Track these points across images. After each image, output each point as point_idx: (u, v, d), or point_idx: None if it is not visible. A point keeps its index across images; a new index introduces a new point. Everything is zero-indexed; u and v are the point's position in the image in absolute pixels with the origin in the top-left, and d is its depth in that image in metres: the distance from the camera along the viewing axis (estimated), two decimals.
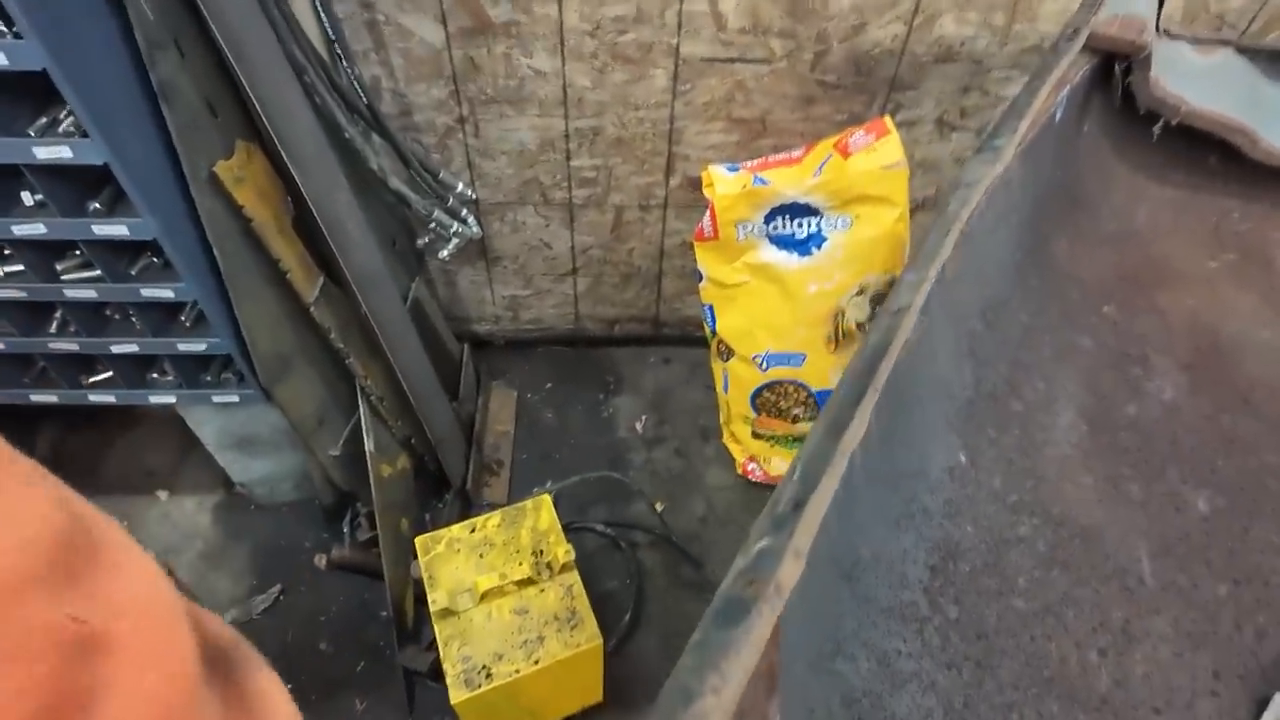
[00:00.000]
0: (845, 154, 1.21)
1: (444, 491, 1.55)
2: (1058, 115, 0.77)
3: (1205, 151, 0.91)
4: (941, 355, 0.62)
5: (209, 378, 1.21)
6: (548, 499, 1.19)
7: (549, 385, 1.79)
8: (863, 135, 1.21)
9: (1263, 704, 0.52)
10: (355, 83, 1.19)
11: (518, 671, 1.02)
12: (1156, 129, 0.86)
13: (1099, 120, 0.87)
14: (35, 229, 0.92)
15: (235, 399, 1.20)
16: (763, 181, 1.23)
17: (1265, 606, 0.58)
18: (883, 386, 0.51)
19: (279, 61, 0.96)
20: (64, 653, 0.23)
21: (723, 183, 1.24)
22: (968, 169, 0.62)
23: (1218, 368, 0.77)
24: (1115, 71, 0.87)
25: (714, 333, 1.43)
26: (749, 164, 1.28)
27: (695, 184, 1.45)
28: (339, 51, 1.16)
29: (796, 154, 1.27)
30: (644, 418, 1.70)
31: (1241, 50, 0.93)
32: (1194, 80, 0.88)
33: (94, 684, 0.24)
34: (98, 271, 1.00)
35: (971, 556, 0.56)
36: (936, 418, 0.61)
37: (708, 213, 1.26)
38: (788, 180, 1.22)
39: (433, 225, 1.40)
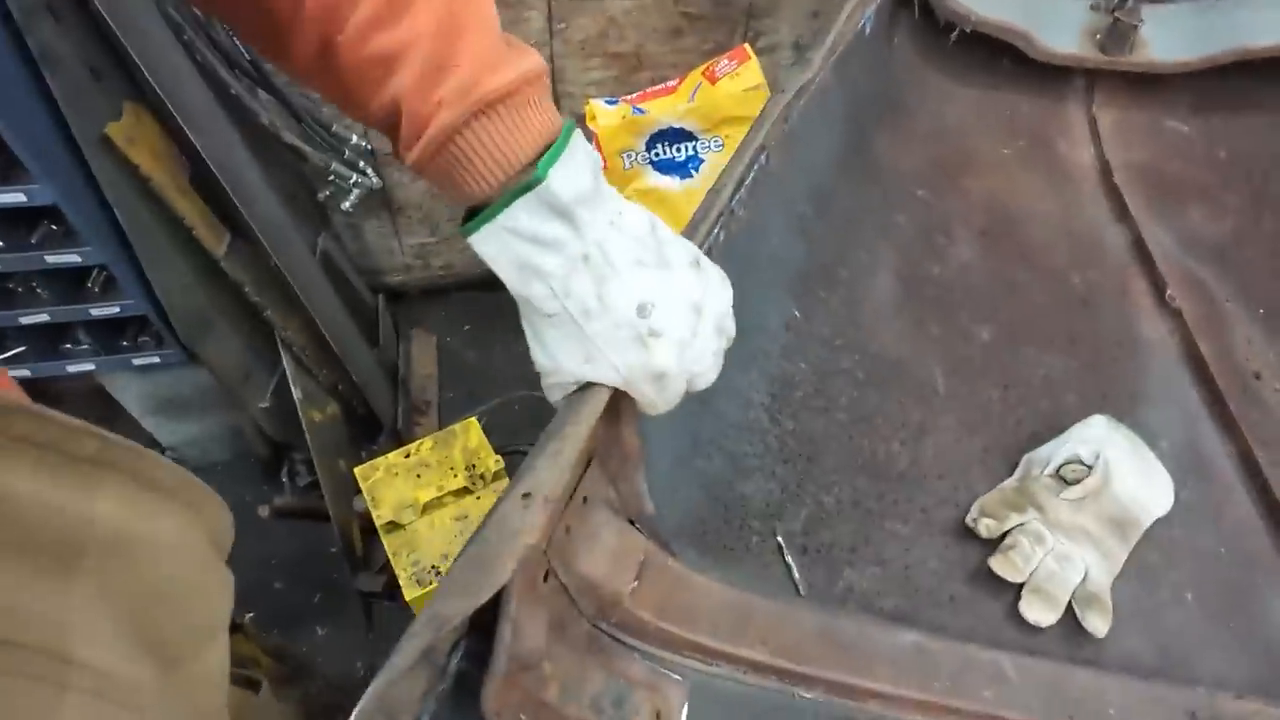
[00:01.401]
0: (713, 80, 1.33)
1: (376, 434, 1.63)
2: (867, 29, 0.91)
3: (999, 55, 1.08)
4: (774, 233, 0.76)
5: (126, 342, 1.24)
6: (474, 421, 1.30)
7: (467, 328, 1.88)
8: (727, 62, 1.33)
9: (1015, 466, 0.71)
10: (235, 39, 1.21)
11: None
12: (953, 37, 1.02)
13: (906, 32, 1.03)
14: None
15: (156, 360, 1.24)
16: (640, 111, 1.34)
17: (1024, 403, 0.76)
18: (718, 251, 0.64)
19: (156, 21, 0.99)
20: None
21: (604, 115, 1.34)
22: (784, 79, 0.75)
23: (1006, 234, 0.95)
24: None
25: None
26: (628, 97, 1.38)
27: (580, 120, 1.54)
28: None
29: (671, 85, 1.38)
30: None
31: None
32: None
33: None
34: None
35: (804, 385, 0.72)
36: (774, 283, 0.76)
37: (593, 143, 1.37)
38: (663, 109, 1.34)
39: (331, 178, 1.44)
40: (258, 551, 1.50)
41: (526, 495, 0.37)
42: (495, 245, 0.43)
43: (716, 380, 0.65)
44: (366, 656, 1.40)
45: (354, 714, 0.30)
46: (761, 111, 0.73)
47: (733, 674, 0.51)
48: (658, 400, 0.47)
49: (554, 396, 0.48)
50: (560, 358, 0.46)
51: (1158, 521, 0.66)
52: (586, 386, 0.46)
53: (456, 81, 0.39)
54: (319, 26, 0.39)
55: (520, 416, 1.66)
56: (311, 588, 1.46)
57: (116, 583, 0.33)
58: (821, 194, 0.86)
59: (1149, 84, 1.09)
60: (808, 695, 0.52)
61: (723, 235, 0.64)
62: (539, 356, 0.47)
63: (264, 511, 1.45)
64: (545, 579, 0.40)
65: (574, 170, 0.42)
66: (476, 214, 0.44)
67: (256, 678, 0.59)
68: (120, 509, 0.33)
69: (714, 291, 0.49)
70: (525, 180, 0.41)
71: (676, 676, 0.48)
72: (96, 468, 0.32)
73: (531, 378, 1.57)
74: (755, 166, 0.68)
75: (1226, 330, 0.84)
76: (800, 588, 0.58)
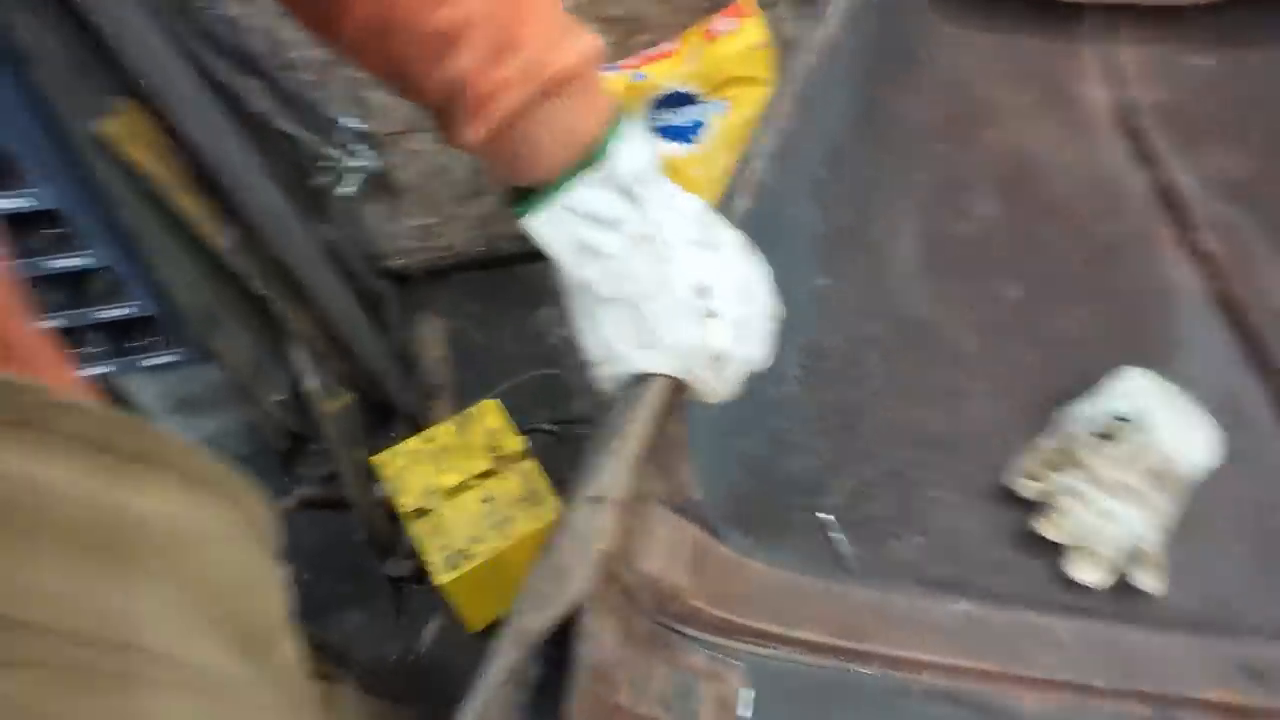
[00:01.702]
0: (712, 39, 1.29)
1: (392, 421, 1.63)
2: None
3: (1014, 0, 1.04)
4: (796, 201, 0.75)
5: (136, 343, 1.22)
6: (493, 402, 1.30)
7: (474, 309, 1.86)
8: (726, 20, 1.29)
9: (1051, 424, 0.70)
10: (218, 23, 1.17)
11: (494, 549, 1.15)
12: None
13: None
14: None
15: (168, 360, 1.22)
16: (641, 77, 1.30)
17: (1057, 359, 0.75)
18: (751, 224, 0.63)
19: (134, 8, 0.95)
20: None
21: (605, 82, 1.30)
22: (801, 37, 0.73)
23: (1027, 186, 0.93)
24: None
25: None
26: (628, 61, 1.34)
27: None
28: None
29: (670, 47, 1.34)
30: None
31: None
32: None
33: None
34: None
35: (835, 356, 0.70)
36: (799, 252, 0.74)
37: None
38: (664, 72, 1.30)
39: (328, 164, 1.41)
40: (284, 543, 1.51)
41: (596, 499, 0.37)
42: (554, 226, 0.42)
43: None
44: (399, 641, 1.42)
45: None
46: (783, 74, 0.70)
47: (789, 655, 0.51)
48: (716, 385, 0.46)
49: (607, 387, 0.47)
50: (616, 343, 0.45)
51: (1204, 472, 0.65)
52: (643, 378, 0.45)
53: (522, 61, 0.38)
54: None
55: (534, 396, 1.65)
56: (339, 577, 1.47)
57: (193, 579, 0.33)
58: (837, 156, 0.83)
59: (1169, 19, 1.06)
60: (864, 671, 0.52)
61: (751, 207, 0.62)
62: (591, 344, 0.46)
63: (287, 504, 1.45)
64: (608, 581, 0.40)
65: (636, 150, 0.42)
66: (527, 195, 0.43)
67: (329, 672, 0.59)
68: (175, 507, 0.33)
69: (761, 274, 0.49)
70: (589, 158, 0.41)
71: (735, 662, 0.48)
72: (148, 465, 0.31)
73: (542, 356, 1.56)
74: (778, 133, 0.65)
75: (1259, 271, 0.82)
76: (846, 563, 0.58)
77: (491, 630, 1.33)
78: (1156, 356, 0.75)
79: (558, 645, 0.36)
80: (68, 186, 0.94)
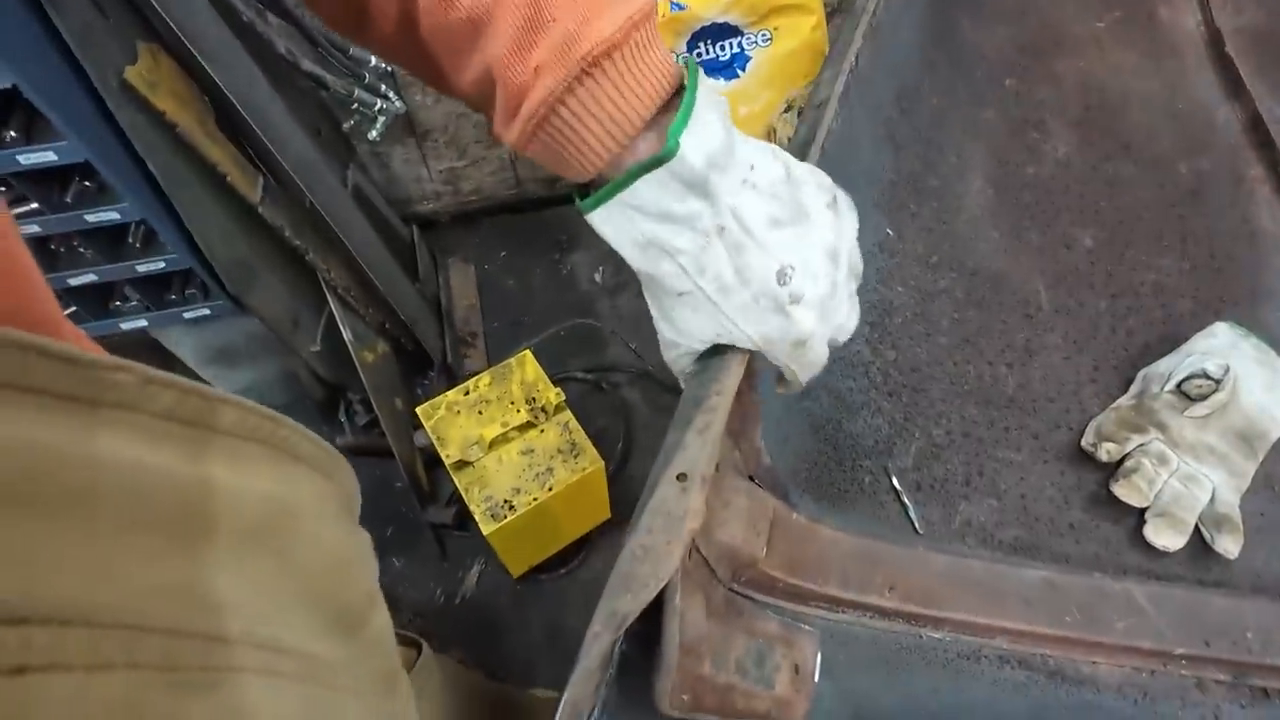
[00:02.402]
0: None
1: (427, 370, 1.63)
2: None
3: None
4: (864, 144, 0.70)
5: (174, 295, 1.22)
6: (529, 353, 1.28)
7: (504, 254, 1.83)
8: None
9: (1129, 382, 0.67)
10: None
11: (535, 500, 1.16)
12: None
13: None
14: None
15: (207, 312, 1.22)
16: (680, 7, 1.22)
17: (1135, 312, 0.71)
18: None
19: None
20: None
21: None
22: None
23: (1104, 121, 0.87)
24: None
25: None
26: None
27: None
28: None
29: None
30: (601, 269, 1.77)
31: None
32: None
33: None
34: (34, 205, 0.98)
35: (903, 310, 0.67)
36: (865, 201, 0.70)
37: None
38: (705, 3, 1.22)
39: (355, 106, 1.36)
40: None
41: (682, 476, 0.35)
42: (616, 224, 0.39)
43: None
44: (443, 585, 1.45)
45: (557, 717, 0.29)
46: (852, 9, 0.65)
47: (861, 620, 0.50)
48: (801, 367, 0.43)
49: (680, 366, 0.45)
50: (692, 332, 0.42)
51: None
52: (718, 350, 0.43)
53: (553, 40, 0.34)
54: None
55: (568, 343, 1.64)
56: (383, 523, 1.50)
57: (287, 560, 0.32)
58: (906, 94, 0.78)
59: None
60: (935, 635, 0.51)
61: (819, 157, 0.58)
62: (665, 332, 0.44)
63: None
64: (689, 555, 0.38)
65: (706, 131, 0.37)
66: (588, 187, 0.39)
67: (414, 636, 0.60)
68: (266, 483, 0.32)
69: (847, 230, 0.45)
70: (654, 154, 0.36)
71: (808, 628, 0.47)
72: (238, 440, 0.30)
73: (574, 303, 1.53)
74: (849, 72, 0.60)
75: None
76: (917, 526, 0.57)
77: (531, 575, 1.36)
78: (1242, 307, 0.71)
79: (644, 620, 0.35)
80: (96, 138, 0.92)
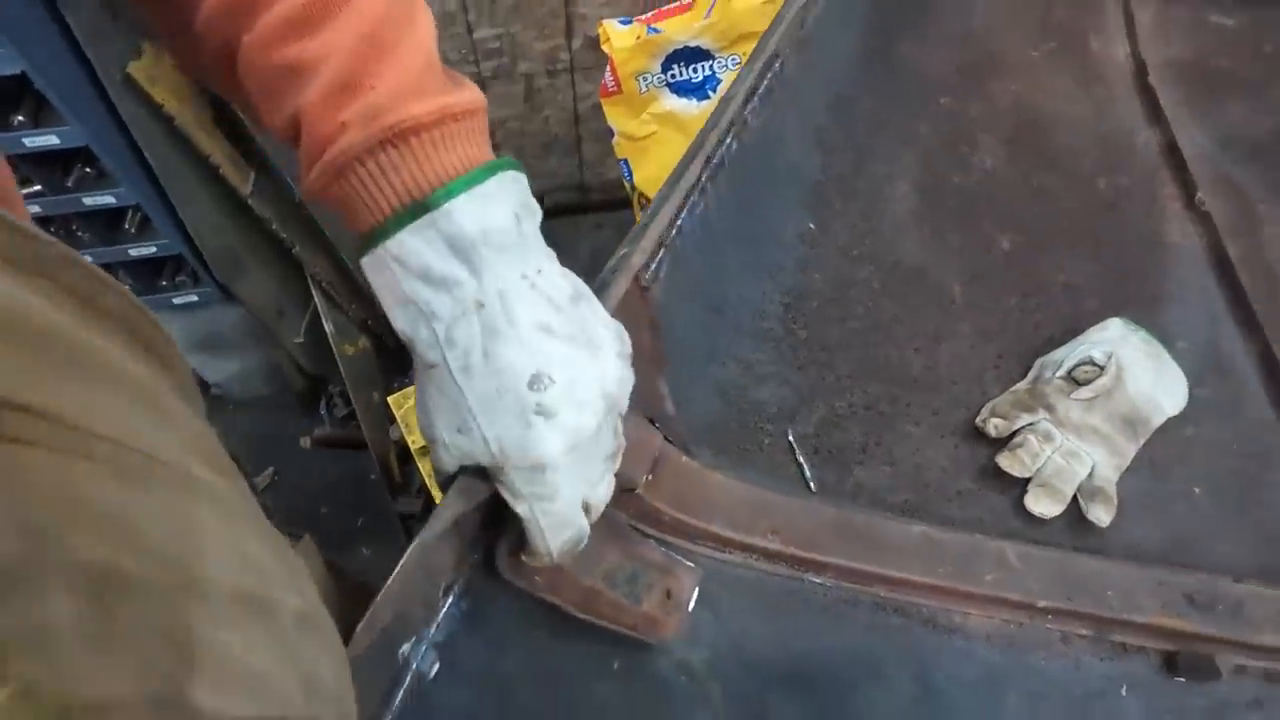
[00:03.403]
0: None
1: (407, 366, 1.68)
2: None
3: None
4: (790, 143, 0.76)
5: (164, 281, 1.29)
6: None
7: None
8: None
9: (1029, 368, 0.71)
10: None
11: None
12: None
13: None
14: None
15: (194, 298, 1.28)
16: (656, 31, 1.30)
17: (1042, 308, 0.76)
18: (730, 161, 0.65)
19: None
20: None
21: (617, 36, 1.31)
22: None
23: (1032, 139, 0.93)
24: None
25: (633, 187, 1.54)
26: (642, 16, 1.35)
27: (594, 44, 1.51)
28: None
29: (685, 1, 1.34)
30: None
31: None
32: None
33: None
34: (37, 186, 1.05)
35: (818, 296, 0.72)
36: (789, 195, 0.75)
37: (608, 67, 1.34)
38: (679, 26, 1.30)
39: None
40: (304, 479, 1.58)
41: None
42: (383, 276, 0.37)
43: (730, 291, 0.66)
44: None
45: (398, 567, 0.33)
46: (777, 16, 0.71)
47: (745, 561, 0.54)
48: (540, 513, 0.38)
49: (439, 466, 0.40)
50: (435, 422, 0.39)
51: (1173, 418, 0.66)
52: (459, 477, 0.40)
53: (366, 104, 0.35)
54: (225, 22, 0.36)
55: None
56: (355, 512, 1.54)
57: (167, 412, 0.30)
58: (840, 103, 0.84)
59: None
60: (817, 580, 0.55)
61: (735, 145, 0.64)
62: (420, 418, 0.40)
63: (306, 442, 1.52)
64: None
65: (490, 209, 0.36)
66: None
67: (295, 532, 0.61)
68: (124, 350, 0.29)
69: (629, 395, 0.42)
70: (420, 204, 0.36)
71: (689, 564, 0.51)
72: (115, 319, 0.28)
73: None
74: (769, 74, 0.67)
75: (1257, 230, 0.82)
76: (811, 485, 0.61)
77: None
78: (1143, 308, 0.76)
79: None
80: (99, 125, 0.99)
